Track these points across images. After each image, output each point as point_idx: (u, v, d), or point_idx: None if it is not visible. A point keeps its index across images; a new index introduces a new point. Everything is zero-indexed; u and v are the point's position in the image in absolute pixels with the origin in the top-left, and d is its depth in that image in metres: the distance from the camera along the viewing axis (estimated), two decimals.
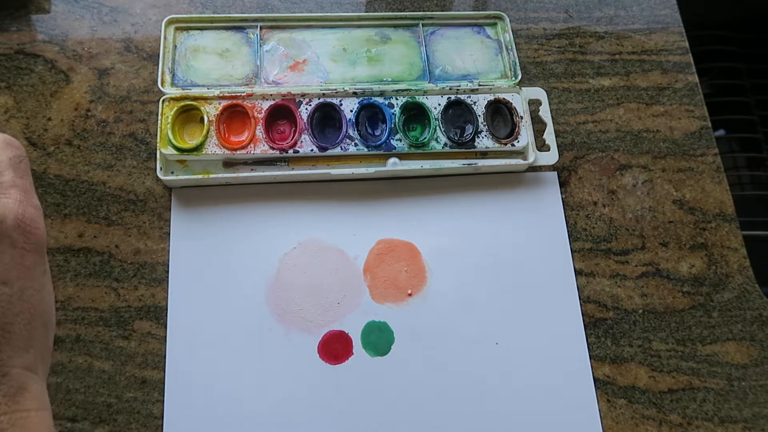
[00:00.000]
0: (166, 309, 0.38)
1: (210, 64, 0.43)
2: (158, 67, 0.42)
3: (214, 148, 0.40)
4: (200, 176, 0.40)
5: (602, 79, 0.49)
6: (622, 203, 0.45)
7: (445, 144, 0.43)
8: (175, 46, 0.43)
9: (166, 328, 0.38)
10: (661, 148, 0.47)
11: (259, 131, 0.41)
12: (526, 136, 0.44)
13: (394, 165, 0.42)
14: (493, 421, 0.38)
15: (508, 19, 0.47)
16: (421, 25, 0.47)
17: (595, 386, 0.40)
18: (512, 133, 0.44)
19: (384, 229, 0.42)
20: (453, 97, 0.44)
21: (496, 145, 0.43)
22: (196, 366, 0.37)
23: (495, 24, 0.48)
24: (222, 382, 0.37)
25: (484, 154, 0.44)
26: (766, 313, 0.43)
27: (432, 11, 0.48)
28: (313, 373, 0.38)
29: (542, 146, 0.44)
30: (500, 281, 0.42)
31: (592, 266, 0.43)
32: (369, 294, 0.40)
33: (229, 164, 0.42)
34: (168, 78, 0.42)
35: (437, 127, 0.43)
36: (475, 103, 0.44)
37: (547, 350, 0.40)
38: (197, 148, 0.40)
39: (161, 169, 0.40)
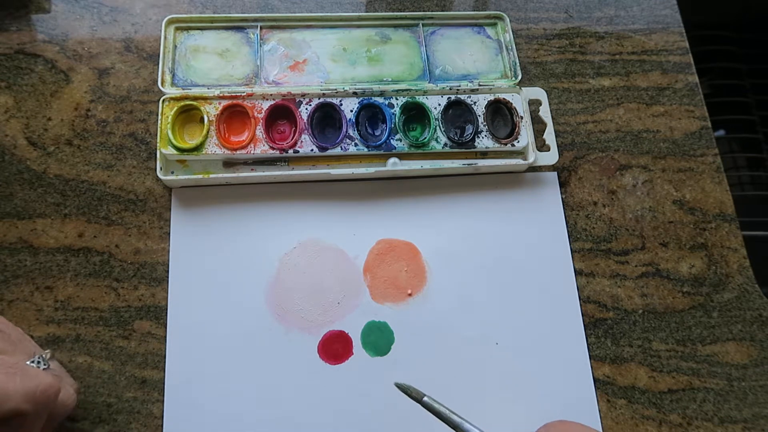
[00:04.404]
0: (166, 309, 0.38)
1: (210, 64, 0.43)
2: (158, 67, 0.42)
3: (214, 148, 0.40)
4: (200, 176, 0.40)
5: (602, 79, 0.49)
6: (622, 203, 0.45)
7: (445, 144, 0.43)
8: (175, 46, 0.43)
9: (166, 328, 0.38)
10: (661, 148, 0.47)
11: (259, 131, 0.41)
12: (526, 136, 0.44)
13: (394, 165, 0.42)
14: (493, 420, 0.38)
15: (508, 19, 0.47)
16: (421, 25, 0.47)
17: (595, 386, 0.40)
18: (512, 133, 0.44)
19: (384, 229, 0.42)
20: (453, 97, 0.44)
21: (496, 145, 0.43)
22: (196, 366, 0.37)
23: (495, 24, 0.48)
24: (222, 382, 0.37)
25: (484, 154, 0.44)
26: (766, 313, 0.43)
27: (432, 11, 0.48)
28: (313, 373, 0.38)
29: (542, 146, 0.44)
30: (500, 281, 0.42)
31: (592, 266, 0.43)
32: (369, 294, 0.40)
33: (229, 164, 0.42)
34: (168, 78, 0.42)
35: (437, 127, 0.43)
36: (475, 103, 0.44)
37: (547, 350, 0.40)
38: (197, 148, 0.40)
39: (161, 169, 0.40)
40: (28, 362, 0.30)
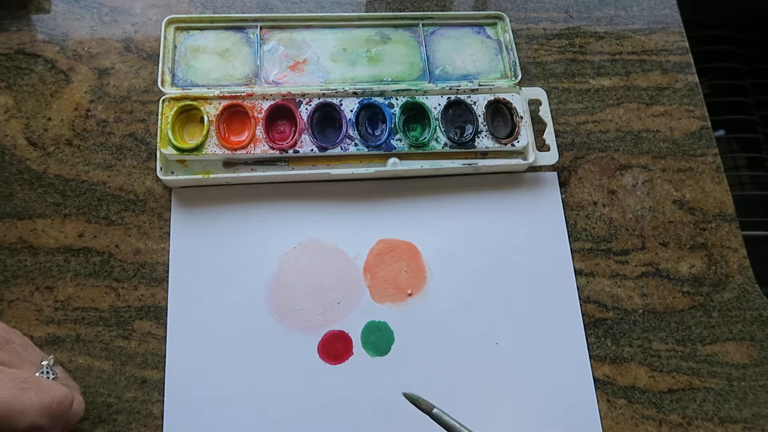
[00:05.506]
0: (166, 309, 0.38)
1: (210, 64, 0.43)
2: (158, 67, 0.42)
3: (214, 148, 0.40)
4: (200, 176, 0.40)
5: (602, 79, 0.49)
6: (622, 203, 0.45)
7: (445, 144, 0.43)
8: (175, 46, 0.43)
9: (166, 328, 0.38)
10: (661, 148, 0.47)
11: (259, 131, 0.41)
12: (526, 136, 0.44)
13: (394, 165, 0.42)
14: (493, 420, 0.38)
15: (508, 19, 0.47)
16: (421, 25, 0.47)
17: (595, 386, 0.40)
18: (512, 133, 0.44)
19: (384, 229, 0.42)
20: (453, 97, 0.44)
21: (496, 145, 0.43)
22: (196, 366, 0.37)
23: (495, 24, 0.48)
24: (222, 382, 0.37)
25: (484, 154, 0.44)
26: (766, 313, 0.43)
27: (432, 11, 0.48)
28: (313, 373, 0.38)
29: (542, 146, 0.44)
30: (500, 281, 0.42)
31: (592, 266, 0.43)
32: (369, 294, 0.40)
33: (229, 164, 0.42)
34: (168, 78, 0.42)
35: (437, 127, 0.43)
36: (475, 103, 0.44)
37: (547, 350, 0.40)
38: (197, 148, 0.40)
39: (161, 169, 0.40)
40: (37, 374, 0.30)
